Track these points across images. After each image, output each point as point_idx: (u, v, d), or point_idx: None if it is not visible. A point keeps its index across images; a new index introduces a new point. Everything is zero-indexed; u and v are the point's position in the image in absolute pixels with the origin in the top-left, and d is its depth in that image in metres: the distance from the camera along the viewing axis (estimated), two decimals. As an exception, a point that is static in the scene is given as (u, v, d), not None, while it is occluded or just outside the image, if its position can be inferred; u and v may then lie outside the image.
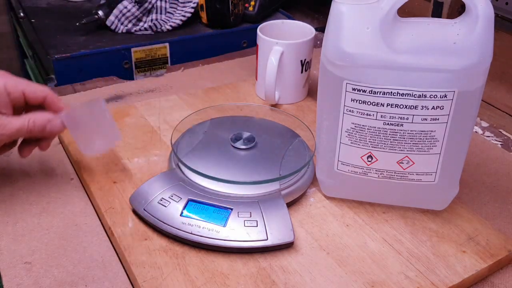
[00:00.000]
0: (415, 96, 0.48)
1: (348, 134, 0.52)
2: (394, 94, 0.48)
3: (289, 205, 0.55)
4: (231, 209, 0.52)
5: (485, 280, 0.51)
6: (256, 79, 0.79)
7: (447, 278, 0.48)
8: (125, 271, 0.50)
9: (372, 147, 0.51)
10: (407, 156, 0.51)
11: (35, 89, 0.54)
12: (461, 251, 0.51)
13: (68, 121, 0.56)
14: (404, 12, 0.48)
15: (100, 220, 0.55)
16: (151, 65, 0.99)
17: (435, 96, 0.48)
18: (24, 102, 0.54)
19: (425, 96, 0.48)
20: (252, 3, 1.07)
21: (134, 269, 0.48)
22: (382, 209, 0.57)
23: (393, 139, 0.50)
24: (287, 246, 0.51)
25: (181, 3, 1.02)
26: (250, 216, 0.51)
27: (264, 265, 0.49)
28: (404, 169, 0.52)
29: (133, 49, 0.96)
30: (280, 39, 0.72)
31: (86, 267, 0.50)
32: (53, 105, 0.55)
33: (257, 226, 0.51)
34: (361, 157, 0.52)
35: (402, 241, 0.52)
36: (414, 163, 0.51)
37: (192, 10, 1.03)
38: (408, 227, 0.54)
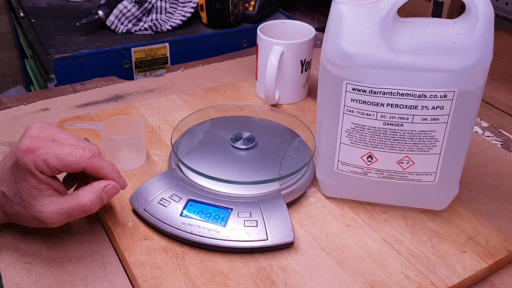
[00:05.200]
0: (415, 96, 0.48)
1: (348, 134, 0.52)
2: (394, 94, 0.48)
3: (289, 205, 0.55)
4: (231, 209, 0.52)
5: (485, 280, 0.51)
6: (256, 79, 0.79)
7: (447, 278, 0.48)
8: (125, 271, 0.50)
9: (372, 147, 0.51)
10: (407, 156, 0.51)
11: (70, 164, 0.47)
12: (461, 251, 0.51)
13: (105, 135, 0.59)
14: (404, 12, 0.49)
15: (100, 220, 0.55)
16: (151, 65, 0.99)
17: (435, 96, 0.48)
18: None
19: (425, 96, 0.48)
20: (252, 3, 1.07)
21: (134, 269, 0.48)
22: (382, 209, 0.57)
23: (393, 139, 0.50)
24: (287, 246, 0.51)
25: (181, 3, 1.02)
26: (250, 216, 0.51)
27: (264, 265, 0.49)
28: (404, 169, 0.52)
29: (133, 49, 0.96)
30: (280, 39, 0.72)
31: (86, 267, 0.50)
32: (96, 174, 0.49)
33: (257, 226, 0.51)
34: (361, 157, 0.52)
35: (402, 241, 0.52)
36: (414, 163, 0.51)
37: (192, 10, 1.03)
38: (408, 227, 0.54)
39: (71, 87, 0.84)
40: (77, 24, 0.98)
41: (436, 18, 0.49)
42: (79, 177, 0.52)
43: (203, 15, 1.03)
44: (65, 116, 0.74)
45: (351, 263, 0.50)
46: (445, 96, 0.48)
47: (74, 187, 0.52)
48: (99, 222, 0.55)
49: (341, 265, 0.49)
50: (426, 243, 0.52)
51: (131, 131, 0.60)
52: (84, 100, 0.79)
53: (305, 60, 0.74)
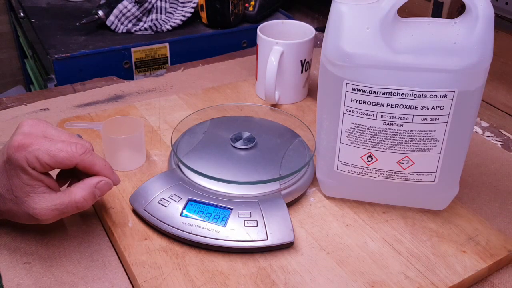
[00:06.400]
0: (415, 96, 0.48)
1: (348, 134, 0.52)
2: (394, 94, 0.48)
3: (289, 205, 0.55)
4: (231, 209, 0.52)
5: (485, 280, 0.51)
6: (256, 79, 0.79)
7: (447, 278, 0.48)
8: (125, 271, 0.50)
9: (372, 147, 0.51)
10: (407, 156, 0.51)
11: (61, 160, 0.46)
12: (461, 251, 0.51)
13: (105, 135, 0.59)
14: (404, 12, 0.49)
15: (100, 220, 0.55)
16: (151, 65, 0.99)
17: (435, 96, 0.48)
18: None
19: (425, 96, 0.48)
20: (252, 3, 1.07)
21: (134, 269, 0.48)
22: (382, 209, 0.57)
23: (393, 139, 0.50)
24: (287, 246, 0.51)
25: (181, 3, 1.02)
26: (250, 216, 0.51)
27: (264, 265, 0.49)
28: (404, 169, 0.52)
29: (133, 49, 0.96)
30: (280, 39, 0.72)
31: (86, 267, 0.50)
32: (89, 171, 0.49)
33: (257, 226, 0.51)
34: (361, 157, 0.52)
35: (402, 241, 0.52)
36: (414, 163, 0.51)
37: (192, 10, 1.03)
38: (408, 227, 0.54)
39: (71, 87, 0.84)
40: (77, 24, 0.98)
41: (436, 18, 0.49)
42: (72, 174, 0.52)
43: (203, 15, 1.03)
44: (65, 116, 0.74)
45: (351, 263, 0.50)
46: (445, 96, 0.48)
47: (67, 184, 0.52)
48: (99, 222, 0.55)
49: (341, 265, 0.49)
50: (426, 243, 0.52)
51: (131, 131, 0.60)
52: (84, 100, 0.79)
53: (305, 60, 0.74)
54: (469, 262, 0.50)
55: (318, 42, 0.97)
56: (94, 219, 0.56)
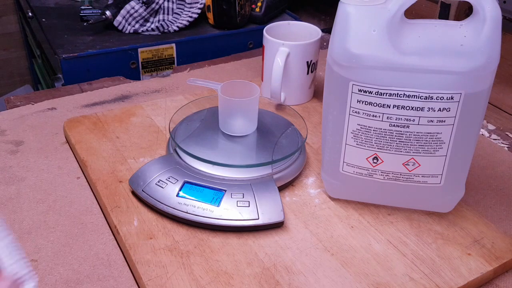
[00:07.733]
0: (421, 97, 0.48)
1: (354, 136, 0.52)
2: (401, 95, 0.48)
3: (281, 188, 0.57)
4: (225, 190, 0.54)
5: (490, 283, 0.51)
6: (262, 80, 0.79)
7: (452, 280, 0.48)
8: (130, 269, 0.50)
9: (378, 148, 0.51)
10: (413, 158, 0.51)
11: None
12: (466, 254, 0.51)
13: (221, 96, 0.60)
14: (411, 13, 0.48)
15: (105, 218, 0.56)
16: (157, 66, 1.00)
17: (442, 98, 0.48)
18: None
19: (432, 98, 0.48)
20: (259, 4, 1.08)
21: (139, 268, 0.48)
22: (387, 210, 0.56)
23: (399, 141, 0.50)
24: (277, 226, 0.53)
25: (188, 4, 1.03)
26: (243, 197, 0.54)
27: (269, 265, 0.49)
28: (409, 171, 0.52)
29: (140, 49, 0.96)
30: (287, 40, 0.72)
31: (92, 265, 0.50)
32: None
33: (249, 206, 0.53)
34: (366, 159, 0.52)
35: (407, 243, 0.52)
36: (420, 165, 0.51)
37: (199, 11, 1.03)
38: (413, 229, 0.54)
39: (78, 86, 0.84)
40: (85, 24, 0.98)
41: (443, 20, 0.49)
42: None
43: (210, 16, 1.03)
44: (71, 115, 0.74)
45: (356, 264, 0.50)
46: (452, 98, 0.47)
47: None
48: (104, 221, 0.56)
49: (346, 266, 0.49)
50: (431, 245, 0.52)
51: (247, 95, 0.61)
52: (91, 99, 0.79)
53: (311, 61, 0.74)
54: (474, 265, 0.50)
55: (325, 44, 0.97)
56: (100, 217, 0.56)
